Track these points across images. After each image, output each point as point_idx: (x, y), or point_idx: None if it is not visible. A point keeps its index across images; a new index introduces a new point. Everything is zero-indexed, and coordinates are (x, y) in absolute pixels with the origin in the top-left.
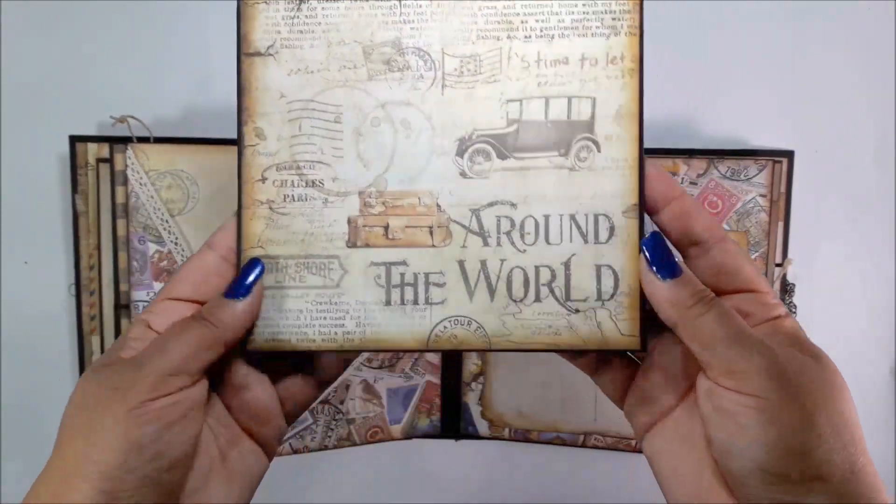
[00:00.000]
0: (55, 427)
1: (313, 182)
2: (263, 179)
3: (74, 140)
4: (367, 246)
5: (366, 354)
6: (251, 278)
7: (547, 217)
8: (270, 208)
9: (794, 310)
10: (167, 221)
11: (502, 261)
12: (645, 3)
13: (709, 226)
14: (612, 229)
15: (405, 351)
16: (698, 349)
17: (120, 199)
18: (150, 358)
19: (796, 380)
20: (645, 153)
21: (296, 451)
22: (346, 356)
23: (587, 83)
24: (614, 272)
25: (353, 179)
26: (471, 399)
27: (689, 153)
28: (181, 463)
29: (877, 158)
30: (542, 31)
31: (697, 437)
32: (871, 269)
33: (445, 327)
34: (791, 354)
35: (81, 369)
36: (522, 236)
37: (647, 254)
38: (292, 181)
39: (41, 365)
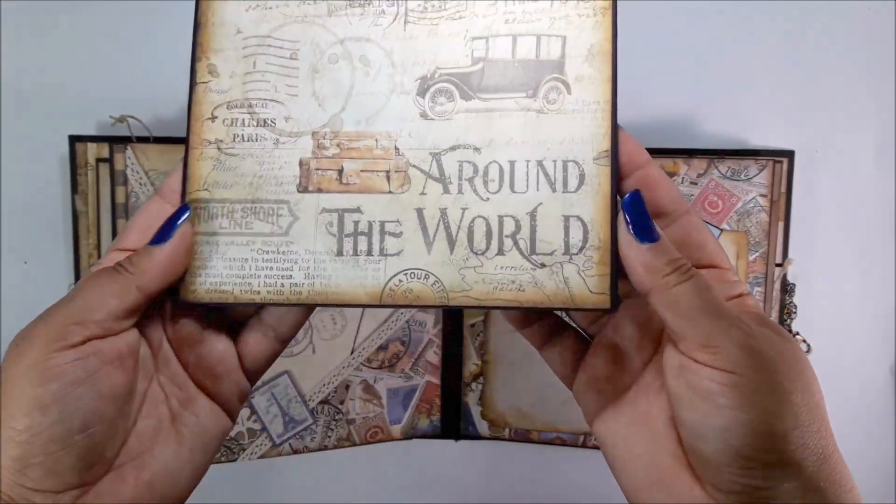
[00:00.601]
0: None
1: (265, 121)
2: (213, 118)
3: (74, 140)
4: (319, 191)
5: (365, 354)
6: (174, 223)
7: (512, 163)
8: (219, 148)
9: (794, 310)
10: None
11: (464, 209)
12: (645, 2)
13: (675, 198)
14: (581, 177)
15: (357, 306)
16: (673, 319)
17: (120, 198)
18: (55, 308)
19: (772, 358)
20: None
21: (296, 452)
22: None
23: (557, 21)
24: (583, 224)
25: (306, 119)
26: (471, 399)
27: (690, 153)
28: (98, 425)
29: (877, 158)
30: None
31: (655, 417)
32: (871, 269)
33: (401, 281)
34: (764, 332)
35: None
36: (486, 183)
37: (626, 214)
38: (243, 120)
39: None
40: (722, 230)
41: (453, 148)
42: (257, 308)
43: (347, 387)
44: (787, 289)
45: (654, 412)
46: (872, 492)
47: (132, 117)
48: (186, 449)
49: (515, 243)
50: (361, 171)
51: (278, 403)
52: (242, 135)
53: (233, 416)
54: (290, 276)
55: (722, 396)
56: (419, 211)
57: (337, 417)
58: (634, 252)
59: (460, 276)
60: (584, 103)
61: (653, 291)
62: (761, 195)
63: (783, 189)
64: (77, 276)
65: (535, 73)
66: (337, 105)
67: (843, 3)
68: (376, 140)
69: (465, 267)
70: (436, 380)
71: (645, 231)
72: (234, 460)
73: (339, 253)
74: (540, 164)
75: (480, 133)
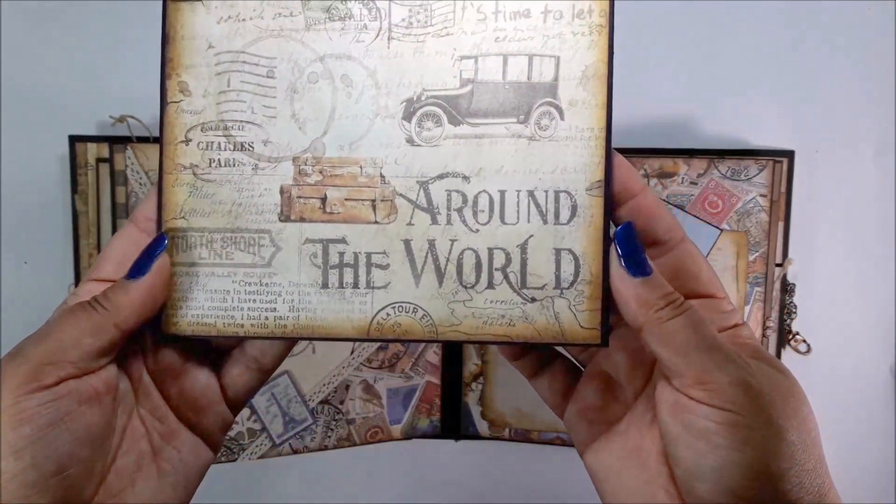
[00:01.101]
0: None
1: (242, 145)
2: (187, 141)
3: (74, 140)
4: (302, 220)
5: (365, 354)
6: (151, 255)
7: (503, 193)
8: (194, 174)
9: (794, 310)
10: None
11: (452, 241)
12: (645, 2)
13: (670, 226)
14: (574, 208)
15: (343, 340)
16: (667, 355)
17: (120, 198)
18: (27, 346)
19: (768, 394)
20: (644, 153)
21: (295, 452)
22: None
23: (550, 40)
24: (575, 257)
25: (286, 143)
26: (471, 399)
27: (690, 153)
28: (74, 467)
29: (877, 158)
30: None
31: (647, 451)
32: (871, 269)
33: (388, 314)
34: (760, 366)
35: None
36: (475, 214)
37: (618, 247)
38: (219, 143)
39: None
40: (722, 230)
41: (441, 176)
42: (240, 340)
43: (347, 387)
44: (787, 289)
45: (646, 445)
46: (872, 492)
47: (132, 117)
48: (168, 484)
49: (506, 277)
50: (346, 199)
51: (278, 403)
52: (219, 159)
53: (215, 448)
54: (275, 308)
55: (718, 435)
56: (406, 242)
57: (337, 417)
58: (626, 286)
59: (449, 310)
60: (577, 130)
61: (645, 326)
62: (761, 195)
63: (783, 189)
64: (77, 276)
65: (527, 97)
66: (318, 129)
67: (843, 3)
68: (361, 167)
69: (454, 301)
70: (436, 380)
71: (637, 265)
72: (234, 460)
73: (325, 285)
74: (531, 194)
75: (470, 160)
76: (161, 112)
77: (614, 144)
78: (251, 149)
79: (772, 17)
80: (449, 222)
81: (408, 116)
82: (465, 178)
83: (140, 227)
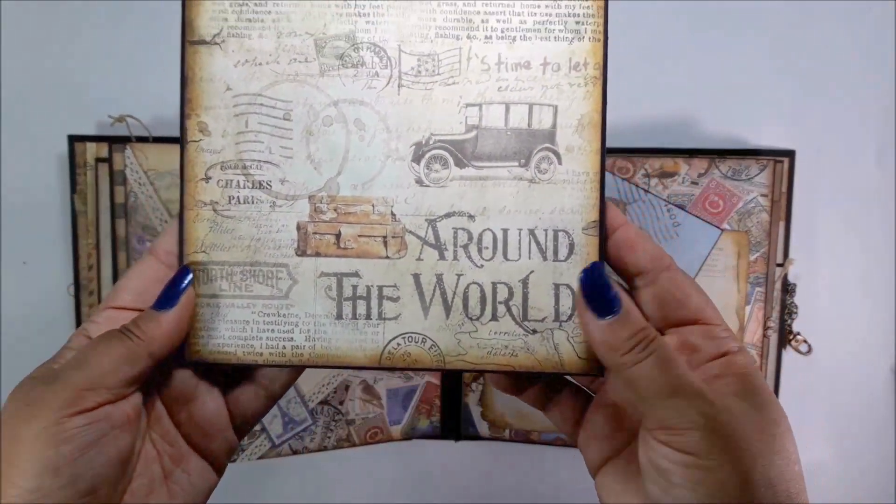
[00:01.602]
0: None
1: (260, 183)
2: (207, 178)
3: (73, 140)
4: (318, 255)
5: None
6: (178, 287)
7: (506, 231)
8: (214, 210)
9: (794, 310)
10: (166, 221)
11: (459, 276)
12: (635, 3)
13: (654, 255)
14: (571, 246)
15: (356, 368)
16: (632, 399)
17: (119, 199)
18: (67, 372)
19: (733, 435)
20: (645, 152)
21: (295, 452)
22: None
23: (549, 90)
24: (573, 292)
25: (302, 182)
26: (471, 400)
27: (691, 153)
28: (103, 487)
29: (878, 158)
30: (503, 31)
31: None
32: (871, 269)
33: (399, 344)
34: (731, 404)
35: None
36: (480, 250)
37: (583, 291)
38: (238, 181)
39: None
40: (723, 230)
41: (448, 215)
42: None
43: (347, 387)
44: (787, 289)
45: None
46: (872, 492)
47: (131, 117)
48: None
49: (508, 310)
50: (359, 235)
51: (278, 404)
52: (238, 197)
53: (220, 471)
54: (292, 338)
55: (674, 475)
56: (416, 276)
57: (336, 418)
58: (593, 328)
59: (456, 340)
60: (573, 174)
61: (612, 370)
62: (762, 195)
63: (784, 189)
64: (76, 276)
65: (528, 143)
66: (333, 169)
67: (843, 3)
68: (373, 205)
69: (460, 332)
70: (436, 380)
71: (603, 305)
72: (234, 461)
73: (339, 316)
74: (532, 233)
75: (474, 201)
76: (181, 150)
77: (616, 144)
78: (269, 187)
79: (773, 17)
80: (455, 258)
81: (417, 159)
82: (471, 216)
83: (160, 259)
